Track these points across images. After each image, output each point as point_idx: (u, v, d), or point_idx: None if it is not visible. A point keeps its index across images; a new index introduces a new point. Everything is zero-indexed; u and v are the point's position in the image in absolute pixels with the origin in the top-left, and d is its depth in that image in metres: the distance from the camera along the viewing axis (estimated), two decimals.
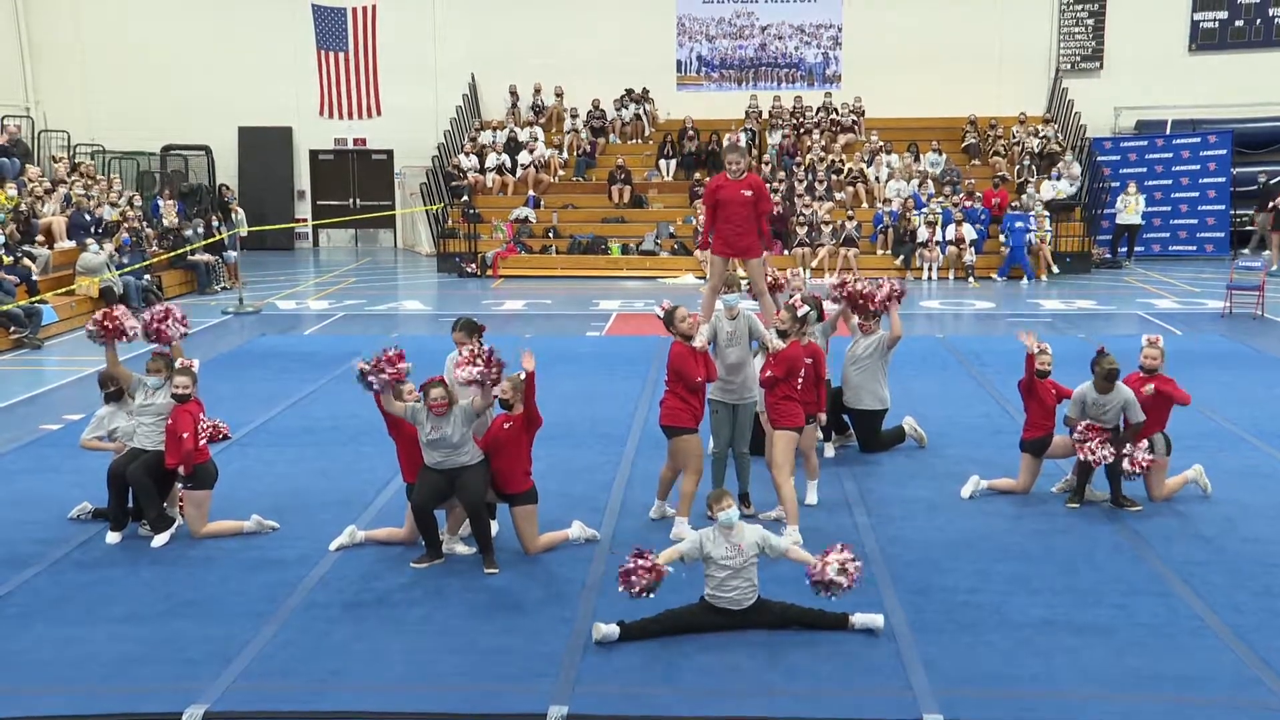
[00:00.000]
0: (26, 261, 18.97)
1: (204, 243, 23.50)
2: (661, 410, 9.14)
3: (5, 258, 18.46)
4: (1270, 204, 25.33)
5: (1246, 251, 24.76)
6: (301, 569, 8.43)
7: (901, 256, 24.33)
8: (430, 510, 8.48)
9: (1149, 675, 6.83)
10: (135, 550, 8.87)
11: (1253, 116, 27.52)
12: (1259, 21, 28.04)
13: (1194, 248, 26.85)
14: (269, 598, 7.93)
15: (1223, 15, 28.18)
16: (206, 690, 6.62)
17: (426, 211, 27.17)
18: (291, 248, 30.45)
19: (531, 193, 27.15)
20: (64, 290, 19.35)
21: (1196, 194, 26.75)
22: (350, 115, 30.13)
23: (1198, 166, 26.76)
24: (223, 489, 9.26)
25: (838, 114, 28.55)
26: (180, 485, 9.07)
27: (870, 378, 11.04)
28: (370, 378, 8.33)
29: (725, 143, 8.95)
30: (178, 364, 9.14)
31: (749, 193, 9.29)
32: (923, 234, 24.34)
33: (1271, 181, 26.58)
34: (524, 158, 27.90)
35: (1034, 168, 26.50)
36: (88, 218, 21.67)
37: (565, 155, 28.37)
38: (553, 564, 8.51)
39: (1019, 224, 24.12)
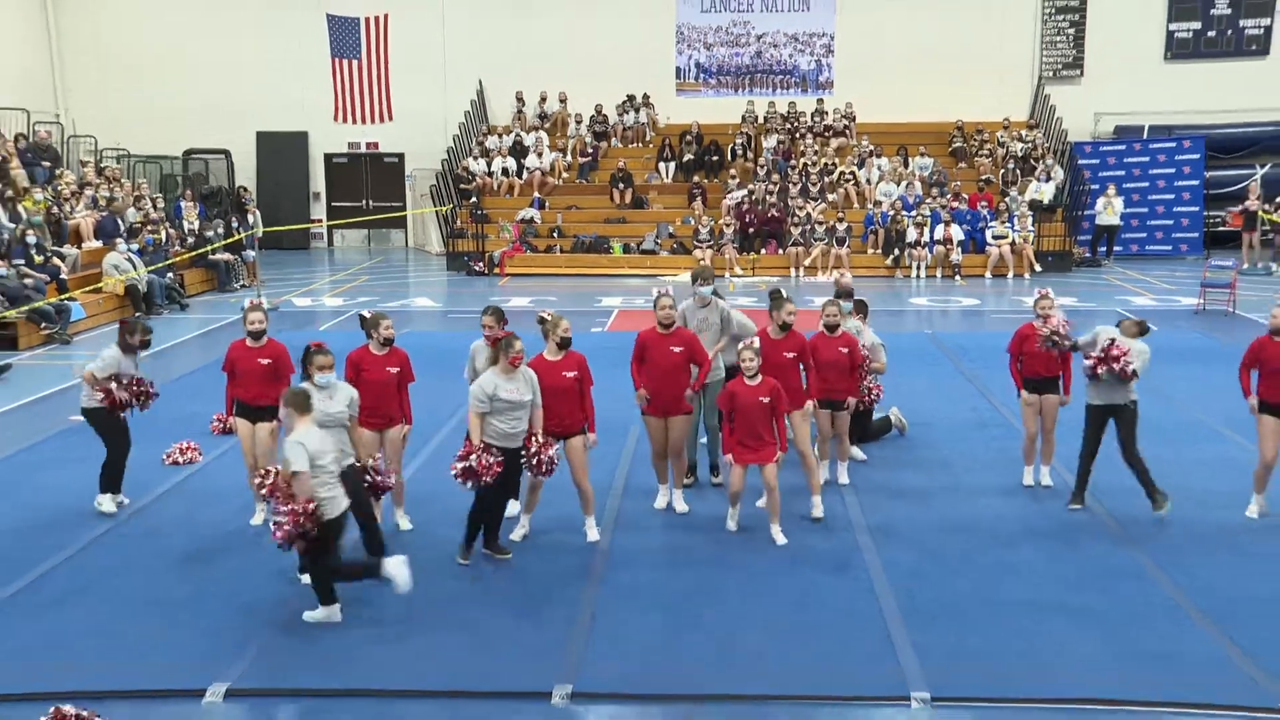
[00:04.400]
0: (56, 261, 19.04)
1: (224, 242, 23.51)
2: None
3: (36, 257, 18.54)
4: (1240, 206, 25.40)
5: None
6: None
7: (891, 256, 24.35)
8: (504, 504, 8.37)
9: (1127, 654, 6.86)
10: (159, 536, 8.90)
11: (1225, 122, 27.55)
12: (1230, 32, 28.12)
13: (1169, 247, 26.88)
14: (288, 581, 7.95)
15: (1196, 26, 28.23)
16: (229, 668, 6.65)
17: (436, 212, 27.16)
18: (307, 247, 30.46)
19: (537, 194, 27.14)
20: (91, 288, 19.36)
21: (1172, 196, 26.79)
22: (363, 120, 30.09)
23: (1173, 170, 26.80)
24: (237, 477, 9.28)
25: (830, 119, 28.53)
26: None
27: None
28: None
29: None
30: (247, 302, 9.23)
31: (766, 399, 8.64)
32: (911, 234, 24.34)
33: (1243, 184, 26.60)
34: (530, 161, 27.88)
35: (1018, 171, 26.50)
36: (118, 221, 21.73)
37: (569, 158, 28.35)
38: (557, 551, 8.51)
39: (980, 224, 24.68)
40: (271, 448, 8.98)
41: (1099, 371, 8.92)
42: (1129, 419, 9.13)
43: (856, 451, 10.78)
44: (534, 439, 8.18)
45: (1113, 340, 8.97)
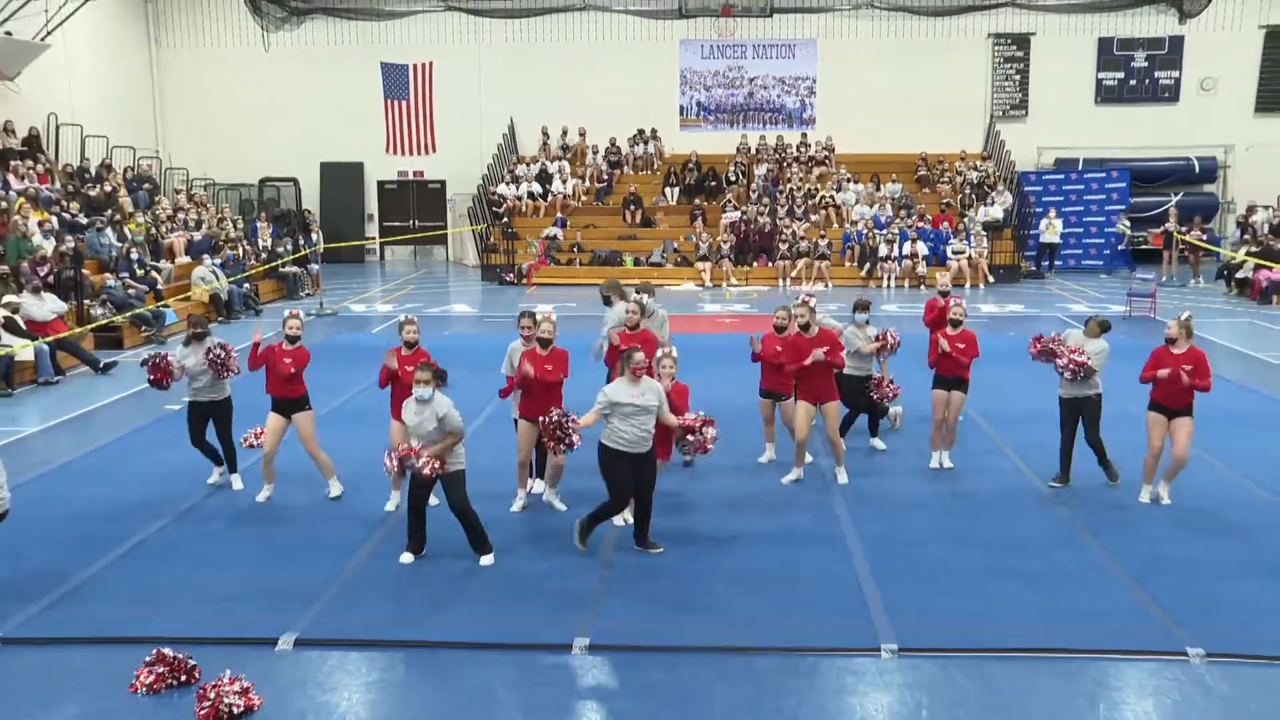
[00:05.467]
0: (154, 274, 19.19)
1: (292, 257, 23.52)
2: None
3: (138, 271, 18.71)
4: (1162, 226, 25.32)
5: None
6: (372, 525, 8.45)
7: (866, 268, 24.31)
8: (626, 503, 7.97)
9: (1064, 609, 6.85)
10: (237, 508, 8.93)
11: (1146, 157, 27.59)
12: (1147, 81, 28.38)
13: (1101, 263, 26.77)
14: (347, 548, 7.96)
15: (1120, 75, 28.41)
16: (297, 621, 6.67)
17: (473, 231, 27.14)
18: (362, 261, 30.40)
19: (559, 215, 27.10)
20: (182, 296, 19.42)
21: (1103, 219, 26.72)
22: (411, 152, 30.04)
23: (1104, 196, 26.74)
24: (303, 459, 9.27)
25: (813, 150, 28.46)
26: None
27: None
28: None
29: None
30: (288, 312, 9.12)
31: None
32: (883, 250, 24.28)
33: (1162, 209, 26.57)
34: (554, 186, 27.84)
35: (973, 195, 26.43)
36: (213, 241, 21.85)
37: (587, 184, 28.30)
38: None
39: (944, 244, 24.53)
40: (312, 433, 9.00)
41: (1076, 371, 9.04)
42: (1093, 409, 9.24)
43: (878, 442, 10.62)
44: (698, 419, 7.87)
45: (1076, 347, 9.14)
